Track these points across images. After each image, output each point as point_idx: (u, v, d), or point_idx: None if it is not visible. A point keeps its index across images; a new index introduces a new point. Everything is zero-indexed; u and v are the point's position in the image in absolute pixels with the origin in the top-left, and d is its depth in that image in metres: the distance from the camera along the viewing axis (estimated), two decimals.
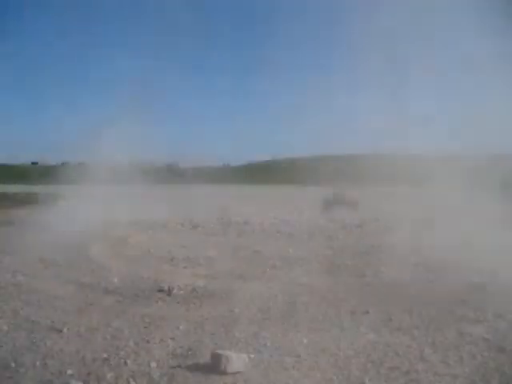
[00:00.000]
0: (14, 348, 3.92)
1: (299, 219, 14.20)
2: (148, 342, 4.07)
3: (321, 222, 13.49)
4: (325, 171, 43.15)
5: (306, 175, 45.25)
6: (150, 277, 6.63)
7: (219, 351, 3.55)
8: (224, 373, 3.39)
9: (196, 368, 3.53)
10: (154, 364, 3.59)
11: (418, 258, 7.84)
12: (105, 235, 11.01)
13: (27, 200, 24.18)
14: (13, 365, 3.57)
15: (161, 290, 5.80)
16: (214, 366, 3.46)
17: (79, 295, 5.65)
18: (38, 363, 3.62)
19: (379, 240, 9.90)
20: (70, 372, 3.44)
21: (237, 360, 3.45)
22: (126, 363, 3.61)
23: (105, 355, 3.76)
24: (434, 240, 8.91)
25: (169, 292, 5.69)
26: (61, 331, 4.31)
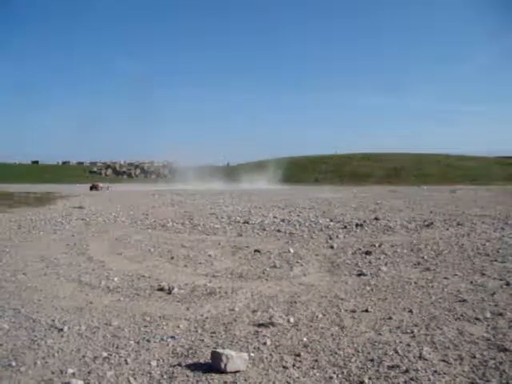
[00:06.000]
0: (14, 347, 3.94)
1: (299, 219, 14.21)
2: (148, 340, 4.08)
3: (321, 221, 13.50)
4: None
5: None
6: (150, 276, 6.65)
7: (219, 350, 3.55)
8: (224, 372, 3.40)
9: (196, 367, 3.55)
10: (154, 363, 3.61)
11: (417, 257, 7.87)
12: (105, 234, 11.03)
13: (27, 199, 24.20)
14: (13, 364, 3.58)
15: (161, 289, 5.81)
16: (215, 364, 3.48)
17: (80, 294, 5.67)
18: (38, 362, 3.63)
19: (380, 239, 9.93)
20: (70, 371, 3.46)
21: (237, 359, 3.46)
22: (126, 362, 3.63)
23: (105, 354, 3.77)
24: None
25: (169, 291, 5.70)
26: (61, 330, 4.32)
